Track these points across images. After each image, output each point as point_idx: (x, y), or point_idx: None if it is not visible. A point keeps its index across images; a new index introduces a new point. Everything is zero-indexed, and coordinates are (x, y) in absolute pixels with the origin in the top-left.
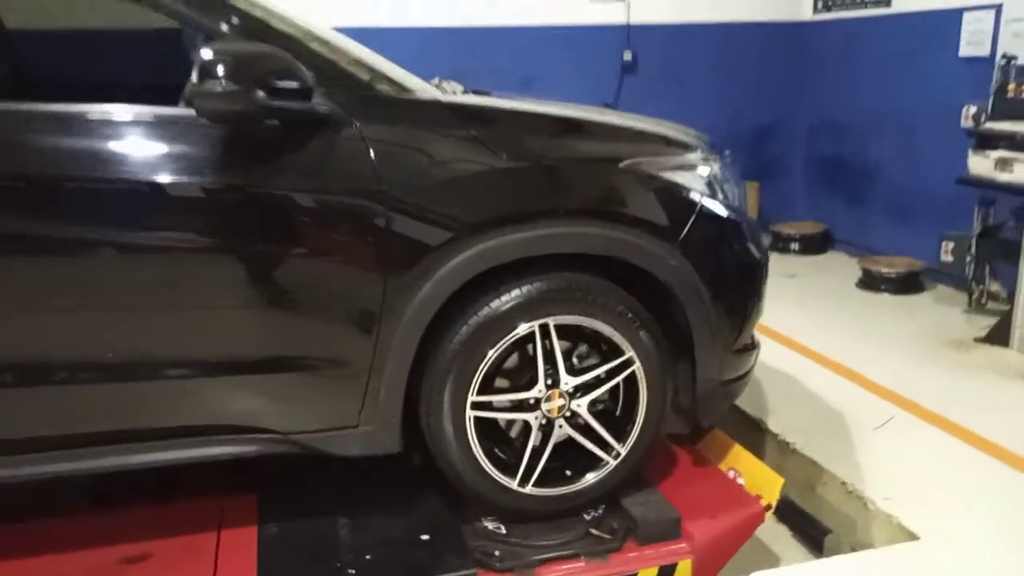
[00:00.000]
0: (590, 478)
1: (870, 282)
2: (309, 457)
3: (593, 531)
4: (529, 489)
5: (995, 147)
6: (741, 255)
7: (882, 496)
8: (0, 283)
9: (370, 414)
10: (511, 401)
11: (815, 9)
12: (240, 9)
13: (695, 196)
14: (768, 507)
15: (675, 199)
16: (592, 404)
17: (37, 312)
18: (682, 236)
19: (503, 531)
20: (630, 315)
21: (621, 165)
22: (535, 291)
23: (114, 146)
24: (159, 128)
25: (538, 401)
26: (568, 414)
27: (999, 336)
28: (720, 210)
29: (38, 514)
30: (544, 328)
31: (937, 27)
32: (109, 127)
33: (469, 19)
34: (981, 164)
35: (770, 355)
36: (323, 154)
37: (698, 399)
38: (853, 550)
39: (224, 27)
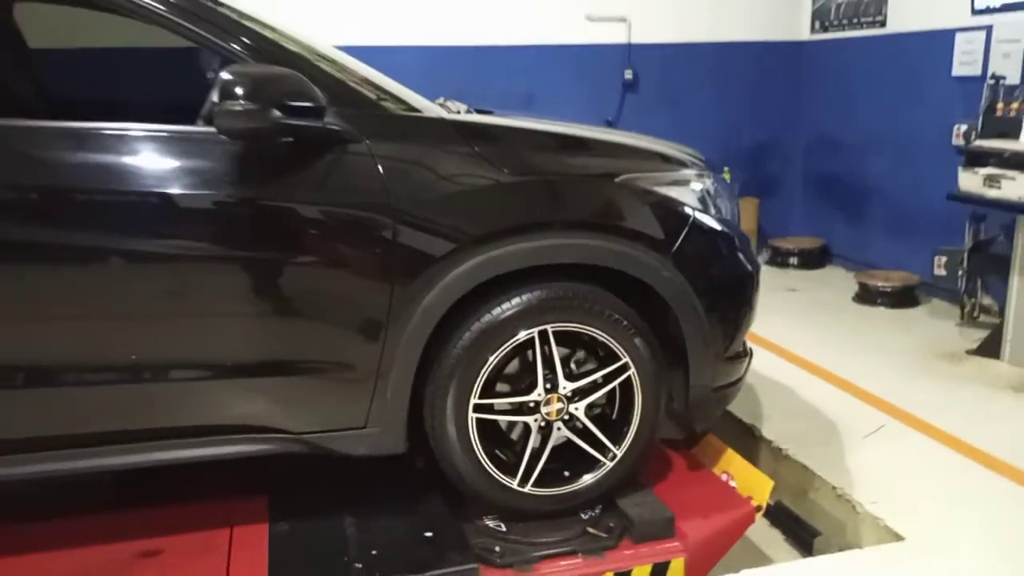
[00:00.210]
0: (587, 479)
1: (866, 296)
2: (317, 458)
3: (590, 530)
4: (529, 489)
5: (984, 164)
6: (732, 266)
7: (870, 500)
8: (37, 290)
9: (377, 416)
10: (512, 404)
11: (812, 29)
12: (257, 32)
13: (688, 210)
14: (759, 508)
15: (669, 213)
16: (589, 408)
17: (69, 317)
18: (675, 248)
19: (503, 529)
20: (625, 323)
21: (617, 180)
22: (535, 299)
23: (140, 161)
24: (182, 144)
25: (537, 404)
26: (566, 417)
27: (990, 348)
28: (712, 224)
29: (60, 511)
30: (543, 335)
31: (931, 47)
32: (136, 143)
33: (472, 38)
34: (971, 181)
35: (767, 366)
36: (334, 169)
37: (691, 404)
38: (841, 552)
39: (242, 49)
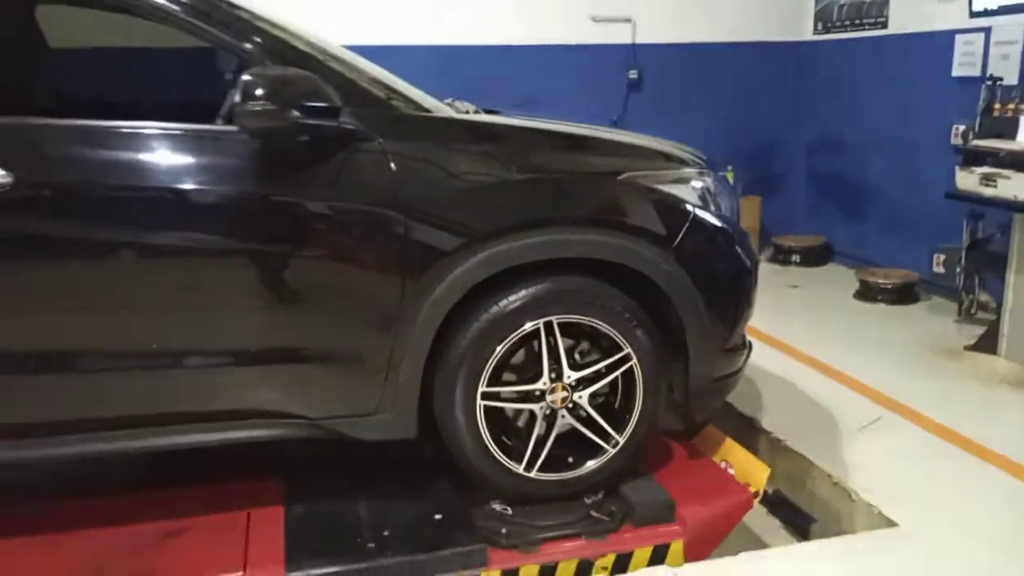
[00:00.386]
0: (591, 465)
1: (867, 293)
2: (331, 443)
3: (593, 513)
4: (534, 474)
5: (981, 164)
6: (731, 261)
7: (865, 488)
8: (69, 281)
9: (389, 402)
10: (518, 393)
11: (815, 30)
12: (273, 35)
13: (689, 207)
14: (756, 494)
15: (670, 209)
16: (593, 397)
17: (100, 308)
18: (676, 243)
19: (510, 512)
20: (628, 315)
21: (620, 178)
22: (540, 292)
23: (166, 159)
24: (205, 142)
25: (543, 393)
26: (570, 405)
27: (987, 344)
28: (712, 220)
29: (87, 491)
30: (548, 326)
31: (931, 48)
32: (162, 141)
33: (478, 38)
34: (967, 180)
35: (768, 360)
36: (349, 167)
37: (691, 395)
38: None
39: (259, 52)
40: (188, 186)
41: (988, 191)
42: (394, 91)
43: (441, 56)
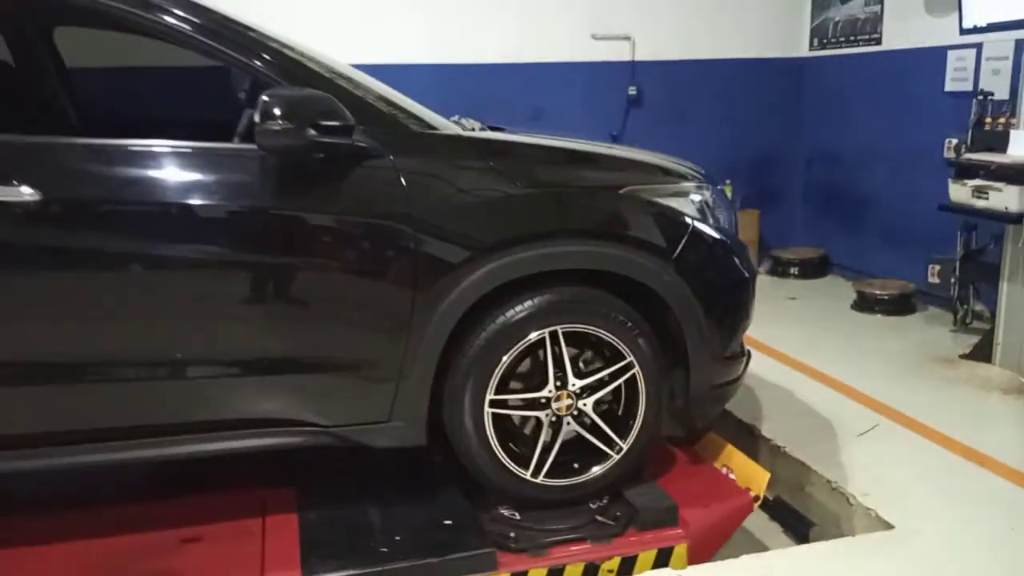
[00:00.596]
0: (595, 470)
1: (864, 304)
2: (343, 451)
3: (598, 518)
4: (541, 479)
5: (973, 176)
6: (729, 272)
7: (863, 492)
8: (94, 293)
9: (400, 410)
10: (524, 400)
11: (811, 46)
12: (292, 57)
13: (688, 220)
14: (756, 498)
15: (670, 222)
16: (597, 404)
17: (124, 320)
18: (676, 254)
19: (518, 517)
20: (630, 324)
21: (621, 192)
22: (545, 302)
23: (187, 175)
24: (225, 160)
25: (548, 400)
26: (575, 413)
27: (982, 353)
28: (711, 232)
29: (106, 499)
30: (553, 335)
31: (924, 64)
32: (183, 159)
33: (481, 56)
34: (960, 192)
35: (767, 370)
36: (361, 183)
37: (692, 402)
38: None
39: (276, 73)
40: (208, 202)
41: (980, 203)
42: (403, 109)
43: (443, 74)
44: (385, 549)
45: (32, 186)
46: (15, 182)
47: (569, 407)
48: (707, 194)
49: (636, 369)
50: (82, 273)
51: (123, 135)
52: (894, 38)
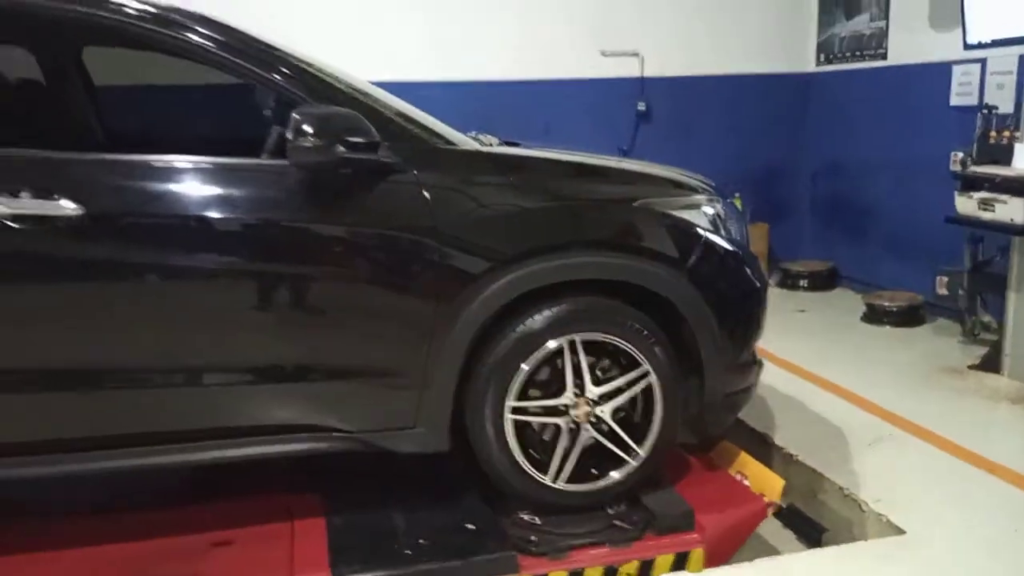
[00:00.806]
0: (614, 476)
1: (873, 316)
2: (367, 457)
3: (617, 522)
4: (560, 485)
5: (979, 189)
6: (741, 282)
7: (874, 498)
8: (135, 303)
9: (424, 417)
10: (544, 407)
11: (818, 62)
12: (319, 76)
13: (700, 231)
14: (771, 504)
15: (683, 234)
16: (615, 411)
17: (162, 329)
18: (689, 265)
19: (538, 521)
20: (645, 333)
21: (635, 204)
22: (562, 312)
23: (220, 190)
24: (257, 175)
25: (567, 408)
26: (594, 420)
27: (991, 363)
28: (723, 244)
29: (140, 505)
30: (571, 344)
31: (930, 78)
32: (216, 174)
33: (492, 73)
34: (966, 204)
35: (778, 381)
36: (386, 197)
37: (706, 409)
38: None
39: (307, 92)
40: (242, 216)
41: (986, 215)
42: (423, 126)
43: (453, 91)
44: (409, 552)
45: (74, 200)
46: (56, 196)
47: (587, 414)
48: (719, 206)
49: (652, 377)
50: (123, 283)
51: (145, 150)
52: (899, 53)
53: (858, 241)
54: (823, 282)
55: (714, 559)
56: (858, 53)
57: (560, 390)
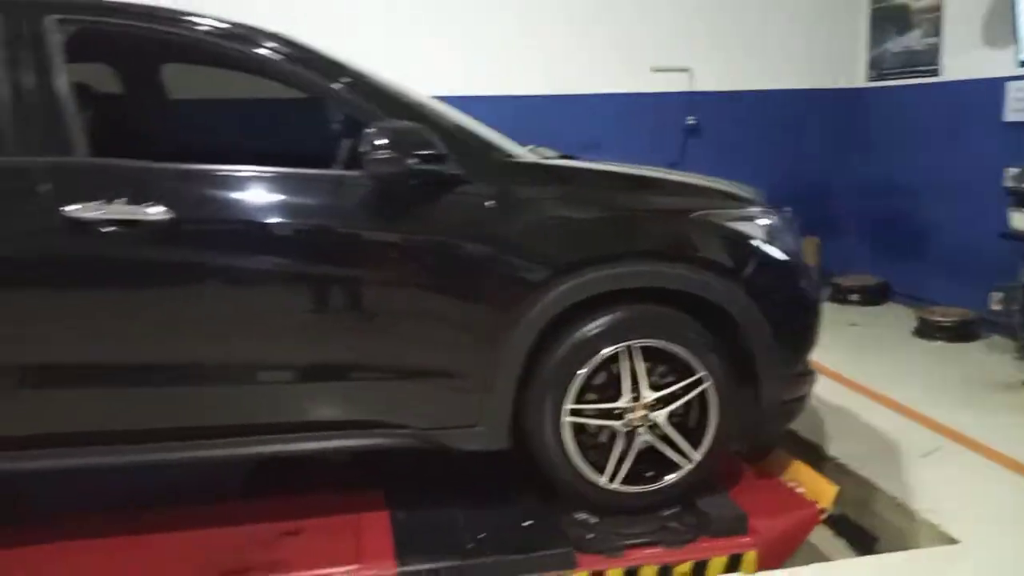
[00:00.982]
0: (669, 479)
1: (925, 331)
2: (429, 456)
3: (671, 524)
4: (616, 486)
5: None
6: (795, 293)
7: (927, 508)
8: (220, 302)
9: (485, 416)
10: (601, 411)
11: (869, 77)
12: (390, 93)
13: (755, 242)
14: (823, 511)
15: (738, 245)
16: (670, 416)
17: (245, 327)
18: (744, 275)
19: (594, 521)
20: (701, 341)
21: (692, 216)
22: (619, 320)
23: (300, 198)
24: (333, 185)
25: (623, 412)
26: (650, 424)
27: None
28: (777, 254)
29: (216, 496)
30: (628, 350)
31: (983, 94)
32: (297, 183)
33: (541, 88)
34: (1021, 220)
35: (830, 393)
36: (452, 207)
37: (761, 417)
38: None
39: (379, 108)
40: (318, 222)
41: None
42: (486, 139)
43: (504, 106)
44: (471, 545)
45: (165, 206)
46: (147, 203)
47: (643, 418)
48: (773, 218)
49: (707, 384)
50: (208, 285)
51: (213, 161)
52: (952, 70)
53: (910, 256)
54: (874, 297)
55: (767, 563)
56: (910, 69)
57: (617, 394)
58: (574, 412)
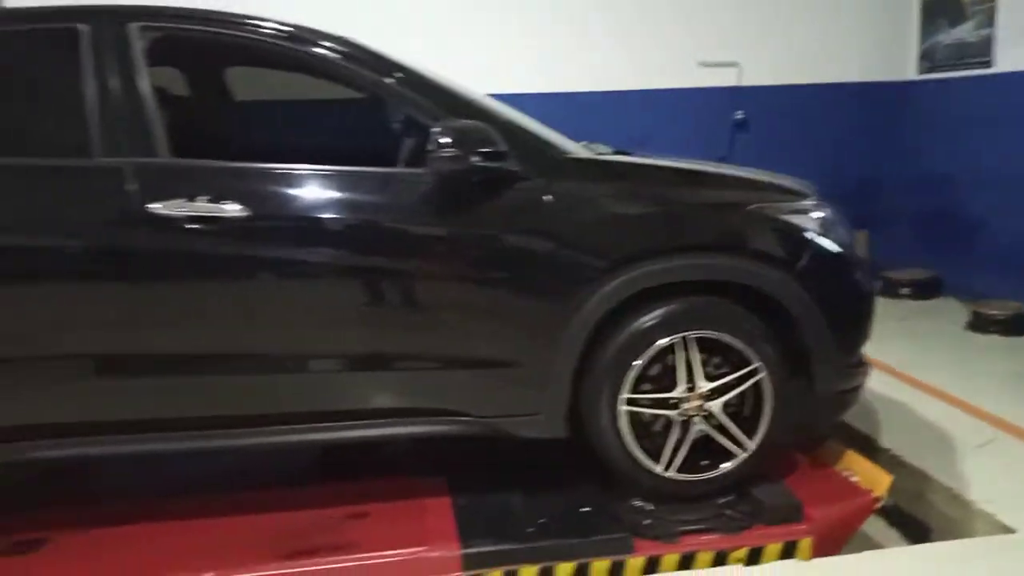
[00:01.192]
0: (724, 468)
1: (979, 324)
2: (488, 444)
3: (727, 512)
4: (671, 474)
5: None
6: (849, 284)
7: (983, 499)
8: (293, 294)
9: (544, 405)
10: (657, 400)
11: (920, 70)
12: (453, 93)
13: (809, 235)
14: (878, 499)
15: (792, 237)
16: (725, 406)
17: (318, 318)
18: (798, 267)
19: (650, 507)
20: (756, 332)
21: (746, 209)
22: (675, 311)
23: (367, 195)
24: (398, 182)
25: (679, 401)
26: (705, 413)
27: None
28: (830, 247)
29: (285, 481)
30: (683, 341)
31: None
32: (364, 180)
33: (590, 85)
34: None
35: (883, 386)
36: (512, 202)
37: (815, 407)
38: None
39: (442, 108)
40: (385, 218)
41: None
42: (543, 136)
43: (555, 103)
44: (531, 529)
45: (241, 204)
46: (228, 200)
47: (698, 408)
48: (826, 211)
49: (762, 374)
50: (282, 276)
51: (278, 159)
52: (1006, 61)
53: (962, 250)
54: (926, 291)
55: (823, 551)
56: (962, 61)
57: (673, 384)
58: (630, 401)
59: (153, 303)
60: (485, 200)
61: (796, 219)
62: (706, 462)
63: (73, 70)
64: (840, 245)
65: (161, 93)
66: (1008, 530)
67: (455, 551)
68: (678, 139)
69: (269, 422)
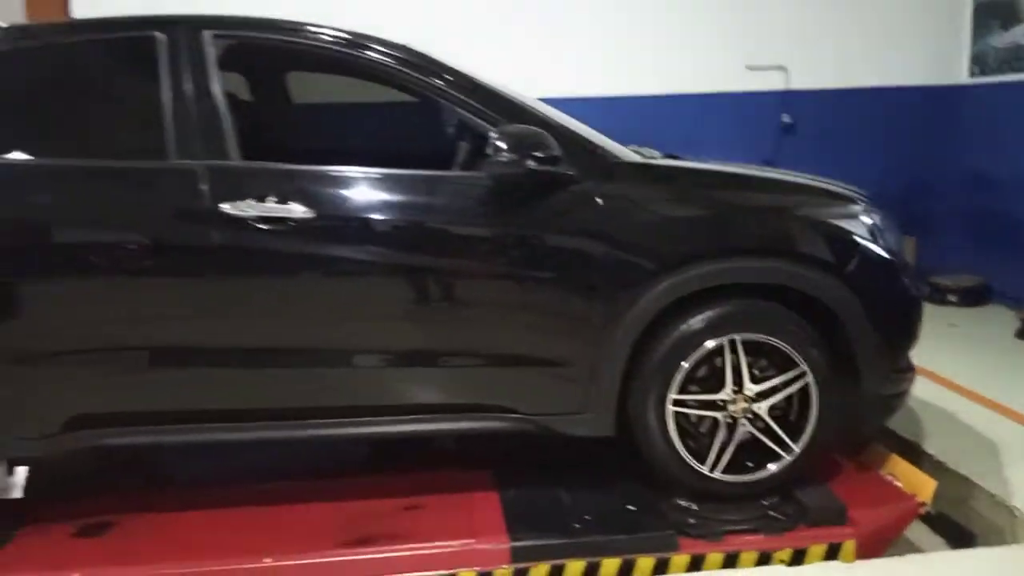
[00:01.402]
0: (769, 469)
1: None
2: (535, 442)
3: (771, 513)
4: (717, 475)
5: None
6: (897, 289)
7: None
8: (354, 293)
9: (593, 404)
10: (704, 402)
11: (971, 73)
12: (509, 99)
13: (857, 239)
14: (922, 504)
15: (841, 241)
16: (771, 408)
17: (375, 315)
18: (847, 271)
19: (695, 507)
20: (803, 335)
21: (795, 213)
22: (722, 314)
23: (426, 197)
24: (455, 185)
25: (726, 403)
26: (751, 415)
27: None
28: (879, 251)
29: (341, 472)
30: (732, 343)
31: None
32: (423, 183)
33: (635, 89)
34: None
35: (928, 393)
36: (565, 205)
37: (860, 411)
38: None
39: (499, 113)
40: (442, 219)
41: None
42: (594, 141)
43: (599, 107)
44: (577, 525)
45: (306, 205)
46: (295, 201)
47: (745, 410)
48: (876, 216)
49: (808, 377)
50: (344, 275)
51: (334, 162)
52: None
53: (1012, 257)
54: (974, 297)
55: (866, 553)
56: (1015, 64)
57: (720, 386)
58: (677, 402)
59: (221, 299)
60: (539, 203)
61: (845, 223)
62: (751, 463)
63: (151, 76)
64: (889, 250)
65: (231, 98)
66: None
67: (504, 544)
68: (725, 143)
69: (329, 415)
